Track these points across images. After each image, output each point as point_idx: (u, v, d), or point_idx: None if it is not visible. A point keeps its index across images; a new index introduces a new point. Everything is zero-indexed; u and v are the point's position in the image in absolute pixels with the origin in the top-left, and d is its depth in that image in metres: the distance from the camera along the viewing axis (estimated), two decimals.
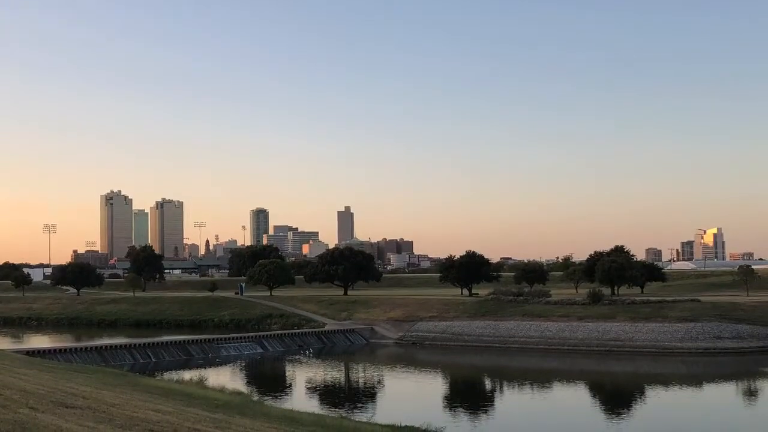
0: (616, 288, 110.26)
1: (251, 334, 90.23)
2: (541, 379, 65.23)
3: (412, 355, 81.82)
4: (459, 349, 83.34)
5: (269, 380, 68.70)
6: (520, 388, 62.01)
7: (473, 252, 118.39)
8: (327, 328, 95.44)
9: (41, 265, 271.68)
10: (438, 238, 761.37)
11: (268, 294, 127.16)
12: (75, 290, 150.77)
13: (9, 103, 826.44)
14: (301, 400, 52.13)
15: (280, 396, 55.18)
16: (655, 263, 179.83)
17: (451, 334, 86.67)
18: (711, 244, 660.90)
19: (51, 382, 23.95)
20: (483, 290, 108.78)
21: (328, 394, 58.38)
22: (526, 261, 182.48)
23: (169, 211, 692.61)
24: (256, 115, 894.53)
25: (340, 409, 47.40)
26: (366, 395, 58.70)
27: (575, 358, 75.74)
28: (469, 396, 58.76)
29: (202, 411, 21.54)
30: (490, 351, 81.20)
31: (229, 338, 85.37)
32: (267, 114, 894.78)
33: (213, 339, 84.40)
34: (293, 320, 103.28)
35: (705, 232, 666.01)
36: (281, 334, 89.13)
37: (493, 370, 72.93)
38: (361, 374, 71.54)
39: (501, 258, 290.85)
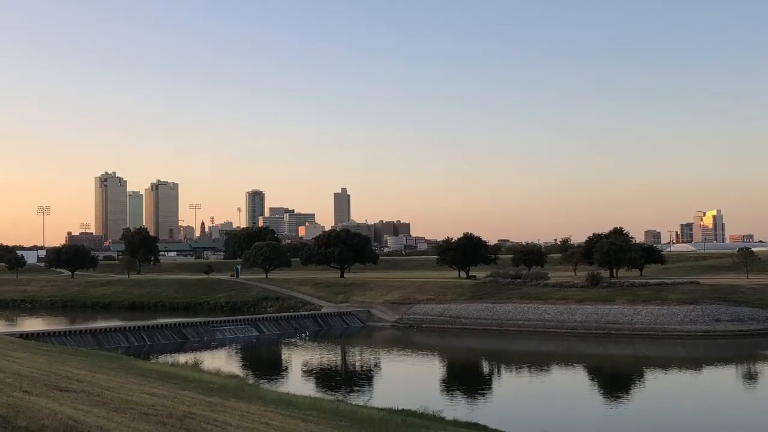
0: (614, 270, 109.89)
1: (247, 316, 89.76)
2: (540, 362, 64.81)
3: (409, 337, 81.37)
4: (456, 331, 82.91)
5: (265, 363, 68.18)
6: (518, 371, 61.63)
7: (471, 234, 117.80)
8: (323, 310, 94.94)
9: (35, 248, 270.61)
10: (435, 221, 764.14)
11: (264, 276, 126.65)
12: (69, 272, 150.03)
13: (3, 84, 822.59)
14: (297, 383, 51.64)
15: (276, 379, 54.64)
16: (654, 245, 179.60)
17: (449, 317, 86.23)
18: (710, 226, 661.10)
19: (45, 366, 23.54)
20: (480, 273, 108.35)
21: (324, 377, 57.90)
22: (524, 243, 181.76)
23: (164, 193, 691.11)
24: (252, 96, 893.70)
25: (336, 392, 46.84)
26: (362, 378, 58.26)
27: (573, 341, 75.34)
28: (466, 379, 58.28)
29: (197, 394, 21.16)
30: (488, 334, 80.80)
31: (224, 321, 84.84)
32: (264, 95, 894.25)
33: (208, 322, 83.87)
34: (289, 303, 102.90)
35: (704, 214, 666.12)
36: (277, 317, 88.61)
37: (490, 353, 72.54)
38: (358, 357, 71.07)
39: (499, 240, 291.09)
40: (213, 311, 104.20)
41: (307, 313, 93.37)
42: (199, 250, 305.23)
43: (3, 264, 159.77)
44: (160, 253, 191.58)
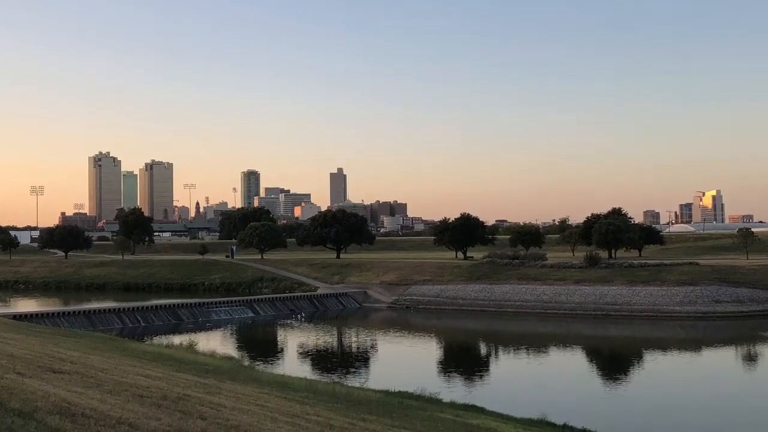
0: (613, 251, 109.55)
1: (242, 297, 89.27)
2: (538, 343, 64.37)
3: (406, 319, 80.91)
4: (453, 312, 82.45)
5: (261, 345, 67.65)
6: (515, 352, 61.17)
7: (468, 214, 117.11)
8: (319, 291, 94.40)
9: (28, 228, 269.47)
10: (432, 201, 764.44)
11: (260, 257, 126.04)
12: (63, 253, 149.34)
13: None
14: (292, 365, 51.15)
15: (272, 361, 54.11)
16: (653, 226, 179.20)
17: (446, 298, 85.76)
18: (710, 206, 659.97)
19: (38, 347, 23.62)
20: (478, 253, 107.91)
21: (320, 359, 57.41)
22: (521, 224, 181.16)
23: (158, 173, 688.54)
24: (247, 75, 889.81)
25: (332, 374, 46.43)
26: (358, 360, 57.82)
27: (571, 322, 74.96)
28: (464, 361, 57.86)
29: (193, 376, 21.03)
30: (485, 315, 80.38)
31: (219, 302, 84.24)
32: (259, 74, 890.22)
33: (204, 303, 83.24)
34: (285, 284, 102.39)
35: (704, 194, 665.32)
36: (273, 298, 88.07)
37: (488, 335, 72.12)
38: (354, 339, 70.56)
39: (496, 221, 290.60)
40: (208, 292, 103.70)
41: (302, 294, 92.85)
42: (194, 231, 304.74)
43: None
44: (155, 234, 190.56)
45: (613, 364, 56.77)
